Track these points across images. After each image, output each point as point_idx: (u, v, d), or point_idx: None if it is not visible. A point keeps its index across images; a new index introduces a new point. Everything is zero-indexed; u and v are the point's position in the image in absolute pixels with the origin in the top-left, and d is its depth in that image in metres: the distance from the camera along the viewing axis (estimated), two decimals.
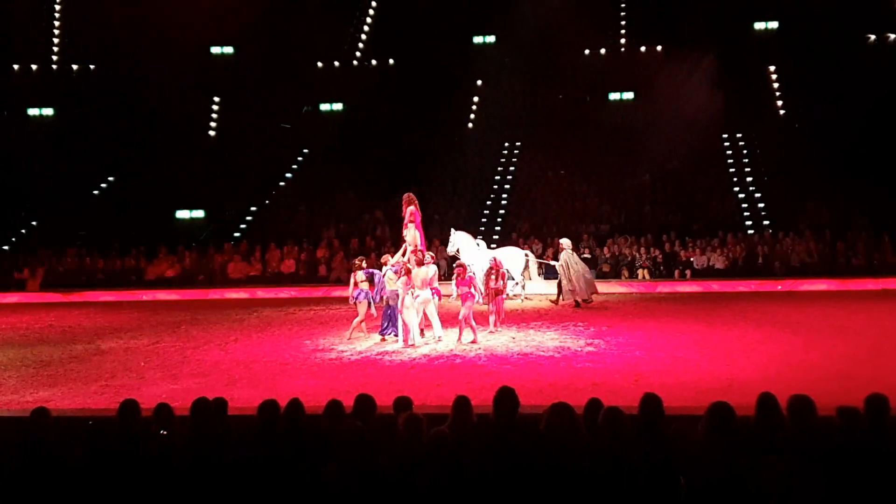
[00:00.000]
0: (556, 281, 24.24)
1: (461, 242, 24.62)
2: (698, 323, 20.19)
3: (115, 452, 6.92)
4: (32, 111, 41.90)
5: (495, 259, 19.85)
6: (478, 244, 24.87)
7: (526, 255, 25.55)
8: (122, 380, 14.95)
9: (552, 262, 25.55)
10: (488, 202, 35.03)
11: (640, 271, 29.40)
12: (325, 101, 41.69)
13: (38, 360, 17.48)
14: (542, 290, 26.05)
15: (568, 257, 23.71)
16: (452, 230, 25.44)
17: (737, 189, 34.45)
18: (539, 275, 26.80)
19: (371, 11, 43.46)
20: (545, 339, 18.13)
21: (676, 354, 16.18)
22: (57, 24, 43.76)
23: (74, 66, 43.35)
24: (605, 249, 30.38)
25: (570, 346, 17.14)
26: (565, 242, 24.16)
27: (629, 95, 39.68)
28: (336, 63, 42.50)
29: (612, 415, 6.79)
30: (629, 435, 6.70)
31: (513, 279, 24.65)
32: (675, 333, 18.69)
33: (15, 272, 31.44)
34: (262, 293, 29.01)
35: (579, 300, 23.54)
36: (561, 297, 24.03)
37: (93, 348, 18.85)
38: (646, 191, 34.56)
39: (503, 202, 35.10)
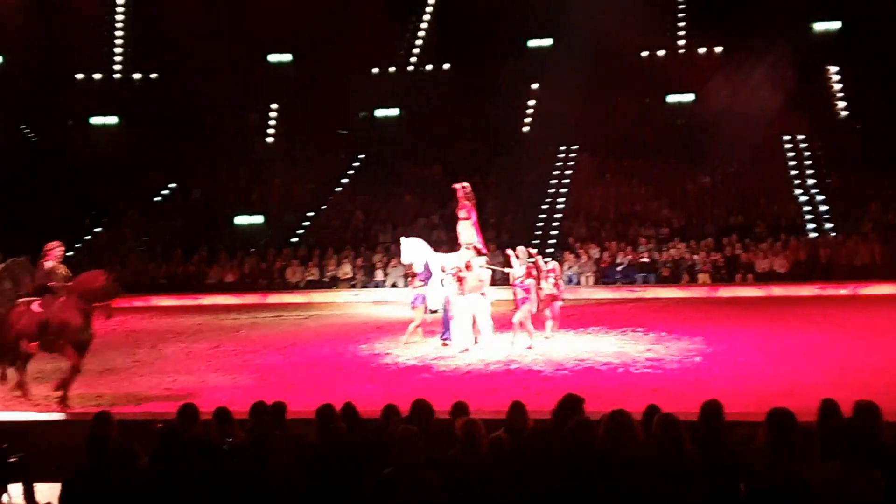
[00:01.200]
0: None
1: (414, 250, 24.26)
2: (759, 327, 19.90)
3: (176, 455, 6.99)
4: (96, 120, 42.66)
5: (555, 265, 19.71)
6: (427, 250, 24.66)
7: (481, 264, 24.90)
8: (183, 383, 15.14)
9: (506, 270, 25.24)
10: (544, 206, 34.86)
11: (700, 275, 29.04)
12: (381, 107, 41.86)
13: (103, 363, 17.77)
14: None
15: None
16: (402, 238, 25.09)
17: (799, 191, 33.88)
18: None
19: (426, 17, 43.55)
20: (603, 345, 17.98)
21: (737, 359, 15.97)
22: (119, 34, 44.54)
23: (136, 76, 44.08)
24: (665, 253, 30.06)
25: (629, 352, 16.98)
26: (520, 251, 23.53)
27: (688, 97, 39.24)
28: (392, 69, 42.65)
29: (667, 421, 6.71)
30: (685, 441, 6.61)
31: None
32: (736, 338, 18.44)
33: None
34: (319, 297, 29.19)
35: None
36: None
37: (155, 352, 19.14)
38: (706, 193, 34.15)
39: (559, 206, 34.91)
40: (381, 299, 27.79)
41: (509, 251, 20.09)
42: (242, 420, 8.22)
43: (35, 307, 13.86)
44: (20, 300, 14.13)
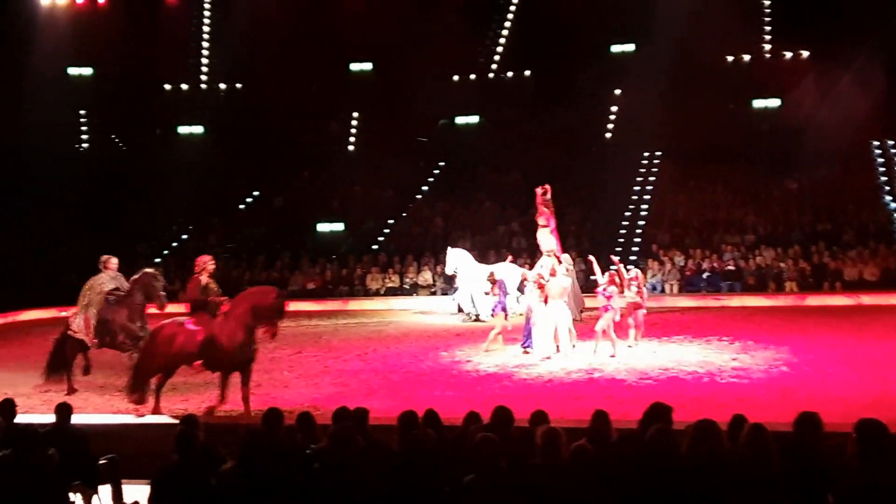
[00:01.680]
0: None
1: (459, 260, 24.34)
2: (848, 337, 19.40)
3: (260, 460, 7.05)
4: (183, 129, 43.55)
5: (638, 272, 19.49)
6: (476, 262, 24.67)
7: (523, 272, 24.73)
8: (266, 388, 15.31)
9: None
10: (627, 213, 34.50)
11: (787, 283, 28.42)
12: (461, 114, 41.92)
13: (188, 368, 18.07)
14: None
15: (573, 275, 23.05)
16: (449, 249, 25.27)
17: (888, 197, 32.95)
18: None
19: (507, 23, 43.50)
20: (687, 354, 17.72)
21: (825, 369, 15.60)
22: (206, 45, 45.45)
23: (222, 86, 44.90)
24: (751, 261, 29.50)
25: (714, 361, 16.72)
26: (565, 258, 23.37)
27: (774, 102, 38.50)
28: (472, 76, 42.69)
29: (757, 432, 6.56)
30: (774, 452, 6.45)
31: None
32: (823, 348, 18.01)
33: (166, 284, 32.63)
34: (398, 304, 29.31)
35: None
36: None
37: None
38: (793, 200, 33.45)
39: (643, 213, 34.50)
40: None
41: (591, 258, 19.94)
42: (325, 426, 8.27)
43: (190, 324, 13.60)
44: (175, 319, 13.96)
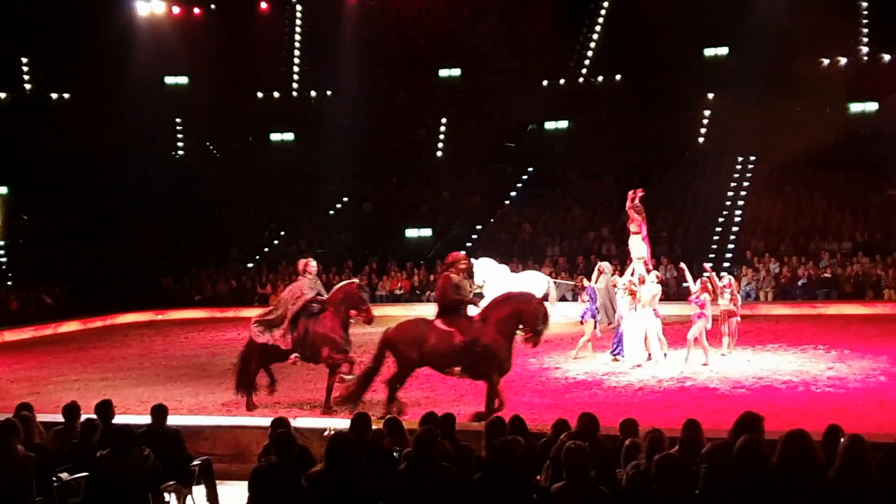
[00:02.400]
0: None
1: (487, 270, 23.88)
2: None
3: (348, 462, 7.08)
4: (274, 136, 44.33)
5: (731, 279, 19.11)
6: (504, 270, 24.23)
7: (549, 280, 24.20)
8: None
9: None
10: (720, 220, 33.89)
11: (885, 291, 27.57)
12: (550, 120, 41.76)
13: (280, 371, 18.32)
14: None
15: (606, 282, 22.25)
16: (474, 259, 24.76)
17: None
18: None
19: (598, 28, 43.21)
20: (782, 363, 17.34)
21: None
22: (297, 54, 46.21)
23: (313, 93, 45.60)
24: (848, 268, 28.71)
25: (810, 370, 16.33)
26: (605, 266, 22.77)
27: (872, 106, 37.46)
28: (561, 81, 42.50)
29: (854, 443, 6.33)
30: (873, 465, 6.22)
31: None
32: None
33: (258, 287, 33.26)
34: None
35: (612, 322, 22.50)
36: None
37: None
38: (892, 206, 32.44)
39: (736, 220, 33.85)
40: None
41: (682, 265, 19.63)
42: (412, 430, 8.27)
43: (441, 325, 12.68)
44: (419, 318, 13.51)
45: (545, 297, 24.42)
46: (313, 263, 14.81)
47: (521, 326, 12.49)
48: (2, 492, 7.62)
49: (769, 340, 20.33)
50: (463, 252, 14.24)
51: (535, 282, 23.89)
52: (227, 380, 17.48)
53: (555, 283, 24.58)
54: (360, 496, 6.88)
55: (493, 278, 23.44)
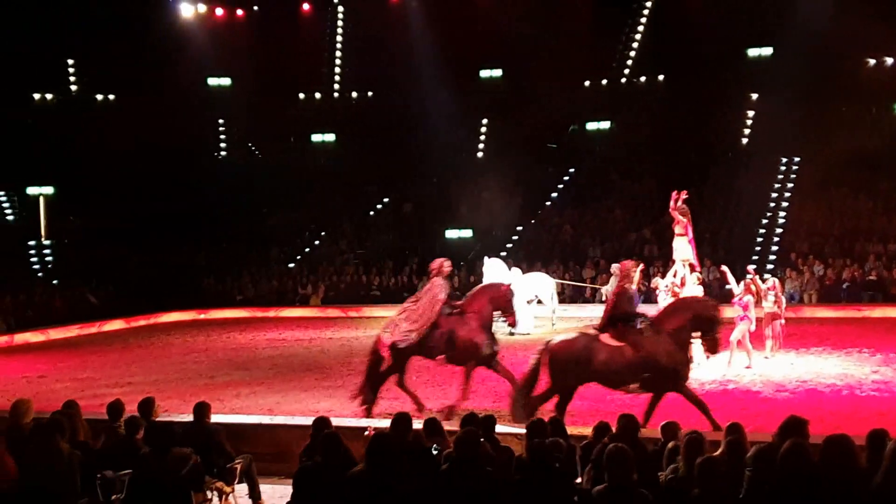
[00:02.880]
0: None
1: (496, 271, 23.66)
2: None
3: (387, 463, 7.09)
4: (316, 137, 44.53)
5: (775, 281, 18.89)
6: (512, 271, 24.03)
7: (557, 281, 23.96)
8: (395, 392, 15.39)
9: (602, 288, 24.35)
10: (764, 221, 33.54)
11: None
12: (592, 120, 41.56)
13: (320, 371, 18.44)
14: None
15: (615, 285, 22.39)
16: (485, 258, 24.56)
17: None
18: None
19: (640, 27, 42.95)
20: (826, 366, 17.13)
21: None
22: (338, 55, 46.43)
23: (354, 94, 45.78)
24: (894, 271, 28.27)
25: (854, 374, 16.14)
26: (614, 269, 22.74)
27: None
28: (604, 81, 42.30)
29: None
30: None
31: (541, 303, 24.58)
32: None
33: (299, 288, 33.45)
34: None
35: None
36: None
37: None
38: None
39: (780, 221, 33.48)
40: (591, 315, 27.32)
41: (724, 268, 19.43)
42: (452, 431, 8.26)
43: (608, 339, 12.14)
44: (582, 331, 12.98)
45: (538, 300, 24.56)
46: (447, 264, 14.43)
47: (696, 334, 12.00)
48: (47, 488, 7.71)
49: (813, 343, 20.08)
50: (633, 261, 14.19)
51: (541, 284, 23.81)
52: (269, 379, 17.64)
53: (562, 283, 24.73)
54: (400, 496, 6.88)
55: (499, 279, 23.47)
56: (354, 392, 13.93)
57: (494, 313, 13.72)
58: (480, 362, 13.56)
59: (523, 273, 24.70)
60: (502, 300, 13.63)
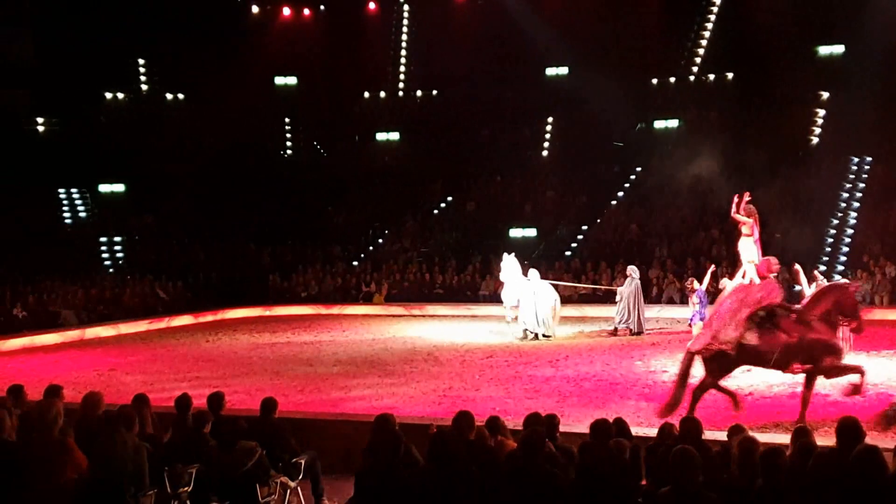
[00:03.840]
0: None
1: (512, 268, 23.29)
2: None
3: (449, 460, 7.10)
4: (380, 136, 44.73)
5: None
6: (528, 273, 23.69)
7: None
8: (458, 391, 15.45)
9: (618, 290, 23.97)
10: (835, 222, 32.86)
11: None
12: (659, 119, 41.08)
13: (383, 368, 18.53)
14: None
15: (634, 286, 22.93)
16: (505, 255, 24.19)
17: None
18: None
19: (709, 25, 42.37)
20: None
21: None
22: (403, 54, 46.61)
23: (418, 93, 45.90)
24: None
25: None
26: (632, 270, 23.50)
27: None
28: (671, 79, 41.81)
29: None
30: None
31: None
32: None
33: (363, 285, 33.64)
34: (591, 311, 28.93)
35: (634, 329, 22.98)
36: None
37: (431, 359, 19.68)
38: None
39: (851, 222, 32.77)
40: (655, 315, 27.07)
41: (797, 267, 19.06)
42: (516, 430, 8.24)
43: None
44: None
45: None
46: (774, 260, 14.07)
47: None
48: (116, 480, 7.85)
49: (885, 346, 19.62)
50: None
51: (542, 289, 23.58)
52: (333, 376, 17.77)
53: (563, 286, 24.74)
54: (461, 495, 6.88)
55: (513, 278, 23.35)
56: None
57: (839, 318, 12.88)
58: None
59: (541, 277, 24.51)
60: (848, 303, 12.85)
